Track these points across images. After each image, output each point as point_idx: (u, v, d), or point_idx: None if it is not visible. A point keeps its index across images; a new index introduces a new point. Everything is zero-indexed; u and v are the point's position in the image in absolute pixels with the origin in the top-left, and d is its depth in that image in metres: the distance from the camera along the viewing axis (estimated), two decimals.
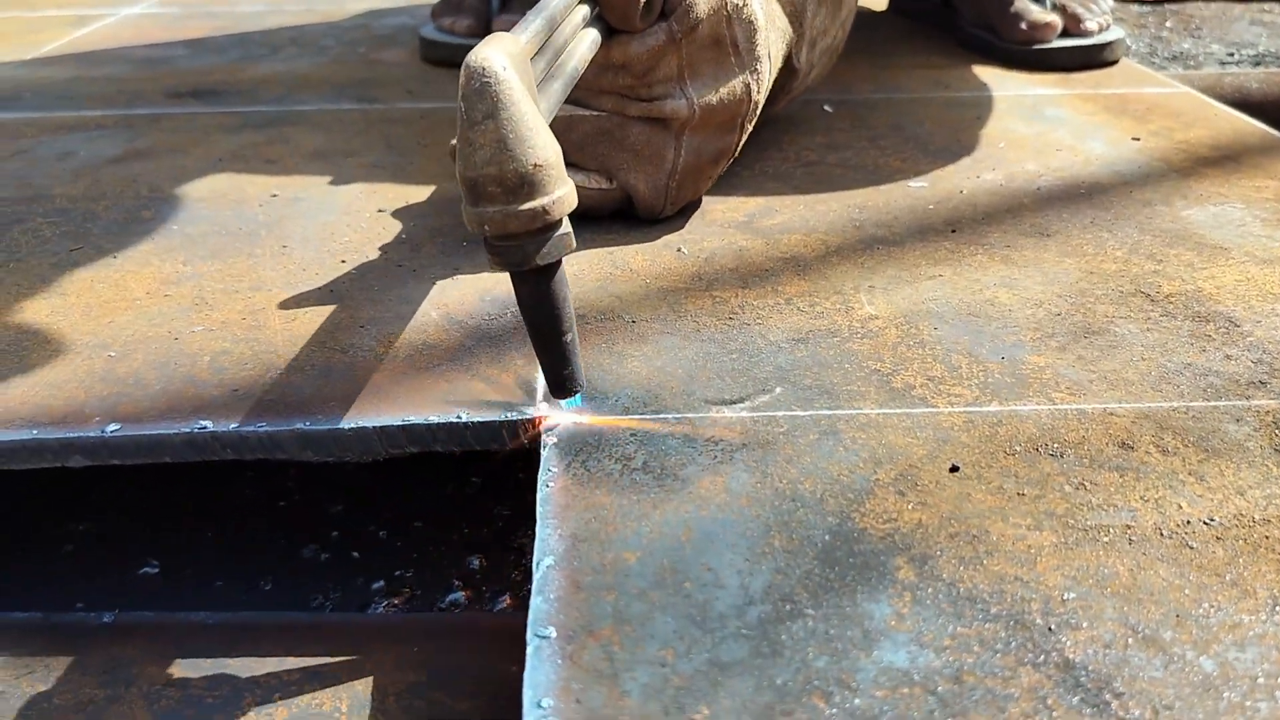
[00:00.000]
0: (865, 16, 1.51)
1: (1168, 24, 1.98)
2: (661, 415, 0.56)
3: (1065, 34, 1.27)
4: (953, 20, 1.38)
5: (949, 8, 1.40)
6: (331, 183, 0.89)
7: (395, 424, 0.55)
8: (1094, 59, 1.25)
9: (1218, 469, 0.52)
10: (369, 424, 0.55)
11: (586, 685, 0.40)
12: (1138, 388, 0.59)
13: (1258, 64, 1.70)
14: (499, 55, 0.49)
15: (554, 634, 0.42)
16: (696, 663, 0.40)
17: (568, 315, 0.52)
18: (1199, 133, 1.02)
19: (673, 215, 0.80)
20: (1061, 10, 1.28)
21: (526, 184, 0.48)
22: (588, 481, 0.51)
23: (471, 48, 0.50)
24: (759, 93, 0.78)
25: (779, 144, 0.98)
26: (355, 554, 0.63)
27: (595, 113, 0.76)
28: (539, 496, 0.50)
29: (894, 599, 0.44)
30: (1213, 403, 0.57)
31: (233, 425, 0.55)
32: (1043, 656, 0.41)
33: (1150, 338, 0.64)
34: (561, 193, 0.50)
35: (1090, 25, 1.27)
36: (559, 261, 0.51)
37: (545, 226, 0.49)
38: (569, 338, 0.52)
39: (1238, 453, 0.53)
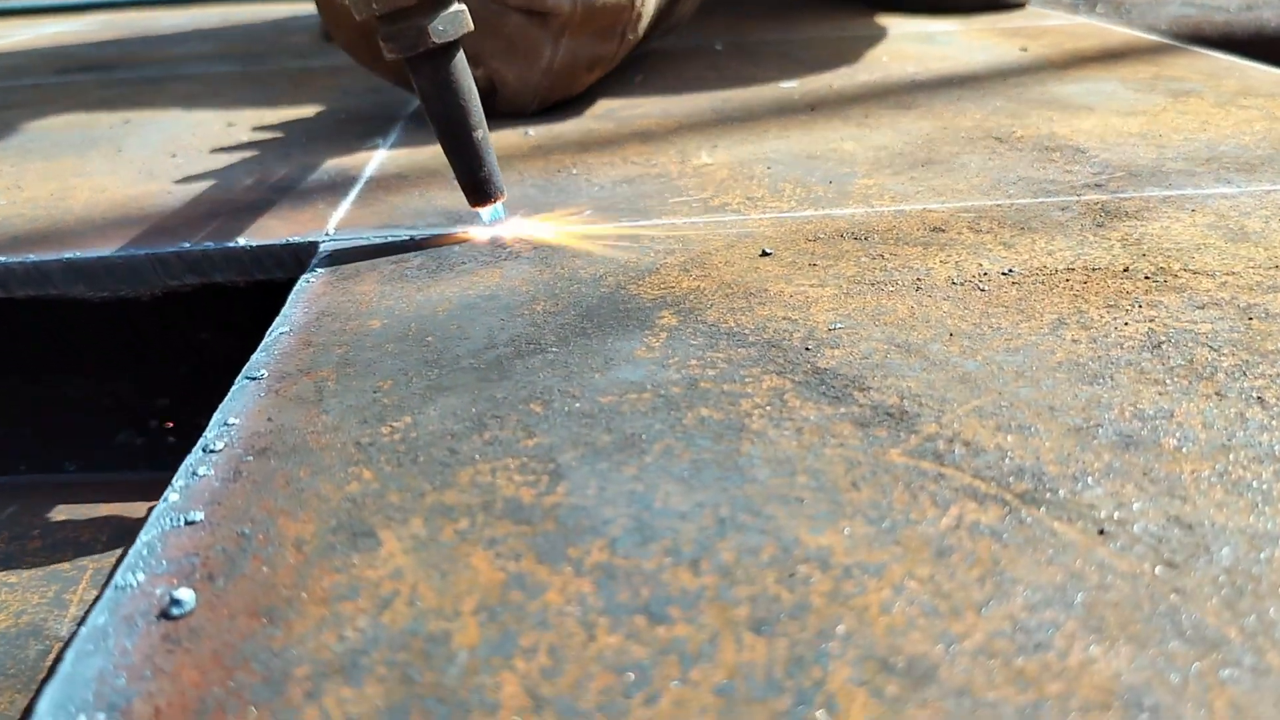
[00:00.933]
0: None
1: (1098, 8, 1.98)
2: (455, 228, 0.53)
3: None
4: None
5: None
6: (188, 109, 0.87)
7: (170, 250, 0.52)
8: (998, 1, 1.25)
9: (1029, 240, 0.49)
10: (141, 251, 0.52)
11: (284, 408, 0.36)
12: (965, 194, 0.56)
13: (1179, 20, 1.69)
14: None
15: (264, 375, 0.39)
16: (414, 389, 0.37)
17: (475, 107, 0.48)
18: (1089, 43, 1.00)
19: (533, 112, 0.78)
20: None
21: None
22: (352, 277, 0.48)
23: None
24: (642, 3, 0.77)
25: (659, 70, 0.97)
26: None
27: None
28: (292, 292, 0.47)
29: (648, 337, 0.40)
30: (1040, 199, 0.54)
31: None
32: (791, 368, 0.37)
33: (991, 163, 0.61)
34: None
35: None
36: (457, 43, 0.47)
37: (439, 2, 0.46)
38: (480, 133, 0.49)
39: (1055, 230, 0.50)
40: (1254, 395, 0.34)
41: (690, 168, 0.63)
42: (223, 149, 0.73)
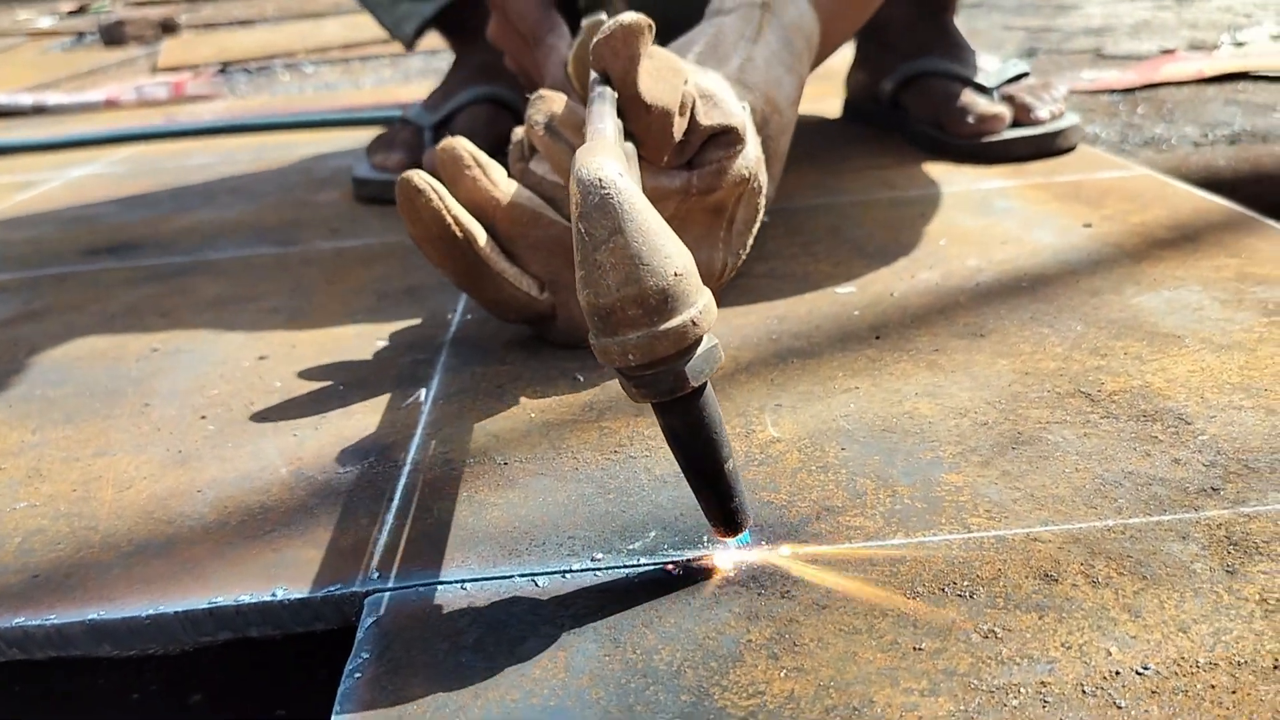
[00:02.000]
0: (816, 124, 1.48)
1: (1139, 110, 1.94)
2: (508, 578, 0.48)
3: (1017, 124, 1.22)
4: (904, 121, 1.34)
5: (899, 109, 1.36)
6: (219, 331, 0.84)
7: (201, 607, 0.48)
8: (1047, 147, 1.20)
9: (1157, 600, 0.43)
10: (170, 609, 0.48)
11: None
12: (1068, 505, 0.51)
13: (1233, 143, 1.65)
14: (610, 161, 0.43)
15: None
16: None
17: (725, 439, 0.45)
18: (1156, 213, 0.95)
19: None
20: (1010, 101, 1.23)
21: (670, 298, 0.42)
22: (404, 669, 0.43)
23: None
24: (729, 273, 0.75)
25: None
26: None
27: (567, 223, 0.70)
28: (340, 692, 0.42)
29: None
30: (1155, 518, 0.49)
31: (17, 620, 0.48)
32: None
33: (1088, 444, 0.56)
34: (706, 300, 0.44)
35: (1042, 114, 1.22)
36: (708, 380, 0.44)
37: (695, 342, 0.43)
38: (730, 464, 0.46)
39: (1182, 578, 0.45)
40: None
41: (756, 445, 0.58)
42: (252, 403, 0.69)
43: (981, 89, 1.24)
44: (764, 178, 0.74)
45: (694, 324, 0.43)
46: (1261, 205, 1.24)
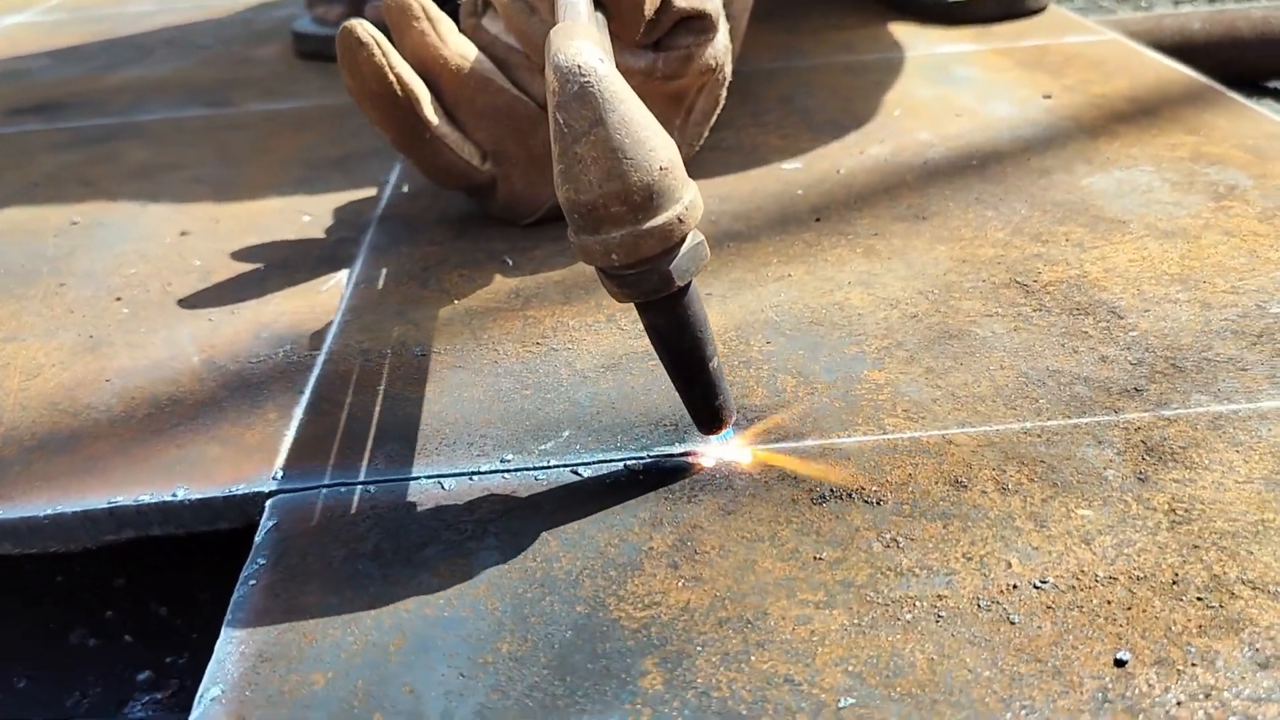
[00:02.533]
0: None
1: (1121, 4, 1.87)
2: (413, 480, 0.47)
3: None
4: None
5: None
6: (142, 203, 0.80)
7: (100, 506, 0.47)
8: (1016, 8, 1.15)
9: (1064, 509, 0.43)
10: (69, 509, 0.47)
11: None
12: (988, 406, 0.50)
13: (1211, 2, 1.59)
14: (590, 45, 0.40)
15: None
16: None
17: (710, 336, 0.44)
18: (1118, 84, 0.92)
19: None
20: None
21: (655, 194, 0.40)
22: (299, 576, 0.42)
23: None
24: (686, 157, 0.71)
25: None
26: (128, 637, 0.55)
27: (517, 92, 0.67)
28: (233, 600, 0.41)
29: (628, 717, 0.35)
30: (1073, 420, 0.48)
31: None
32: None
33: (1016, 339, 0.55)
34: (692, 194, 0.42)
35: None
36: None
37: (681, 239, 0.41)
38: (715, 362, 0.44)
39: (1093, 485, 0.44)
40: None
41: None
42: (170, 285, 0.67)
43: None
44: (729, 69, 0.71)
45: (680, 221, 0.41)
46: (1236, 69, 1.21)
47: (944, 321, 0.57)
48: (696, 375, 0.44)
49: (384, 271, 0.67)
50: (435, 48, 0.66)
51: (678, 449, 0.48)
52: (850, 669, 0.36)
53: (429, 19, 0.66)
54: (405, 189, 0.79)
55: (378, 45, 0.63)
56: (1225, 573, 0.39)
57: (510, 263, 0.67)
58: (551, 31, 0.43)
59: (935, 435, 0.48)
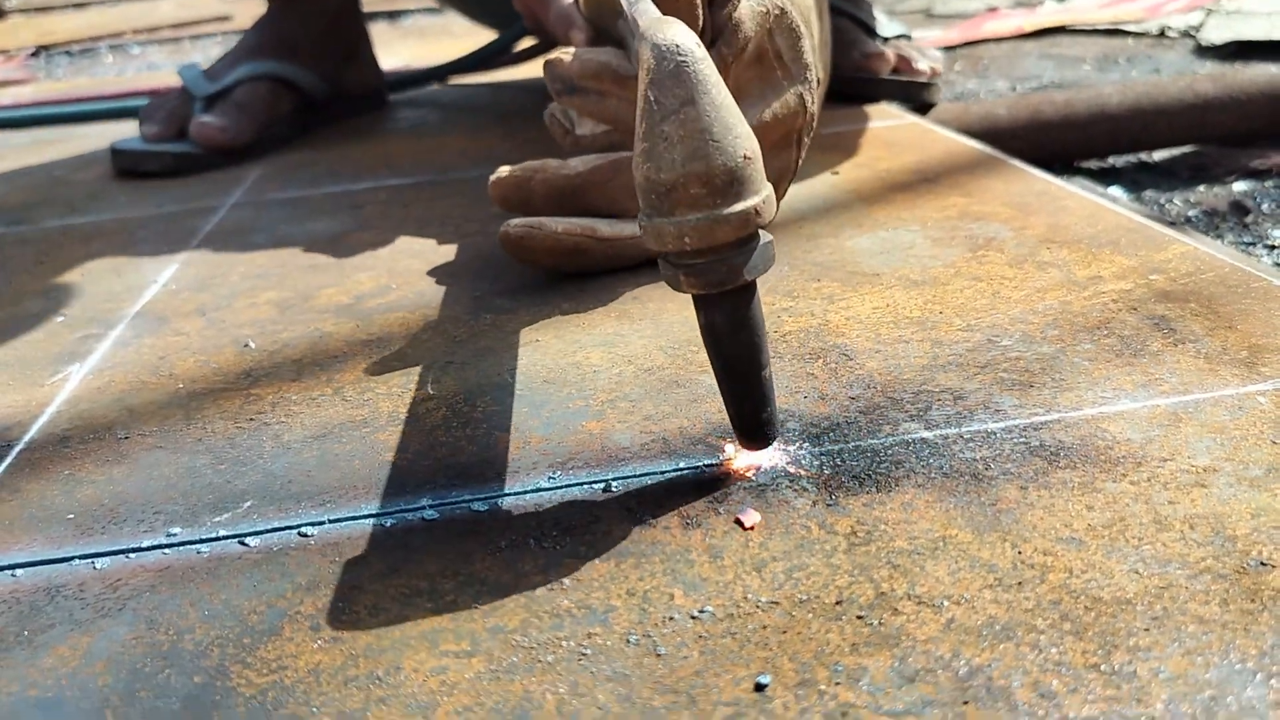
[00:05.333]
0: None
1: (956, 66, 1.95)
2: (64, 561, 0.43)
3: (898, 72, 1.22)
4: None
5: None
6: None
7: None
8: (914, 95, 1.21)
9: (743, 539, 0.41)
10: None
11: None
12: (696, 446, 0.48)
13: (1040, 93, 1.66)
14: (686, 31, 0.40)
15: None
16: None
17: (766, 344, 0.42)
18: (906, 159, 0.94)
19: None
20: (896, 52, 1.23)
21: (736, 180, 0.39)
22: None
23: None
24: (814, 103, 0.69)
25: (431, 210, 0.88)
26: None
27: None
28: None
29: None
30: (770, 450, 0.46)
31: None
32: None
33: None
34: (769, 191, 0.41)
35: (921, 66, 1.23)
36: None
37: (755, 232, 0.40)
38: (768, 371, 0.43)
39: (783, 512, 0.42)
40: None
41: (403, 405, 0.55)
42: None
43: (873, 33, 1.24)
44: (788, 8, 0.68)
45: (757, 213, 0.40)
46: (1047, 151, 1.25)
47: (676, 374, 0.55)
48: (749, 382, 0.43)
49: (119, 363, 0.63)
50: (560, 174, 0.68)
51: (364, 511, 0.45)
52: (472, 716, 0.33)
53: (538, 169, 0.68)
54: (173, 287, 0.77)
55: (533, 228, 0.65)
56: (893, 589, 0.37)
57: (252, 345, 0.64)
58: (645, 23, 0.42)
59: (622, 478, 0.46)
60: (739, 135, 0.40)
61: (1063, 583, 0.37)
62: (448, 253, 0.79)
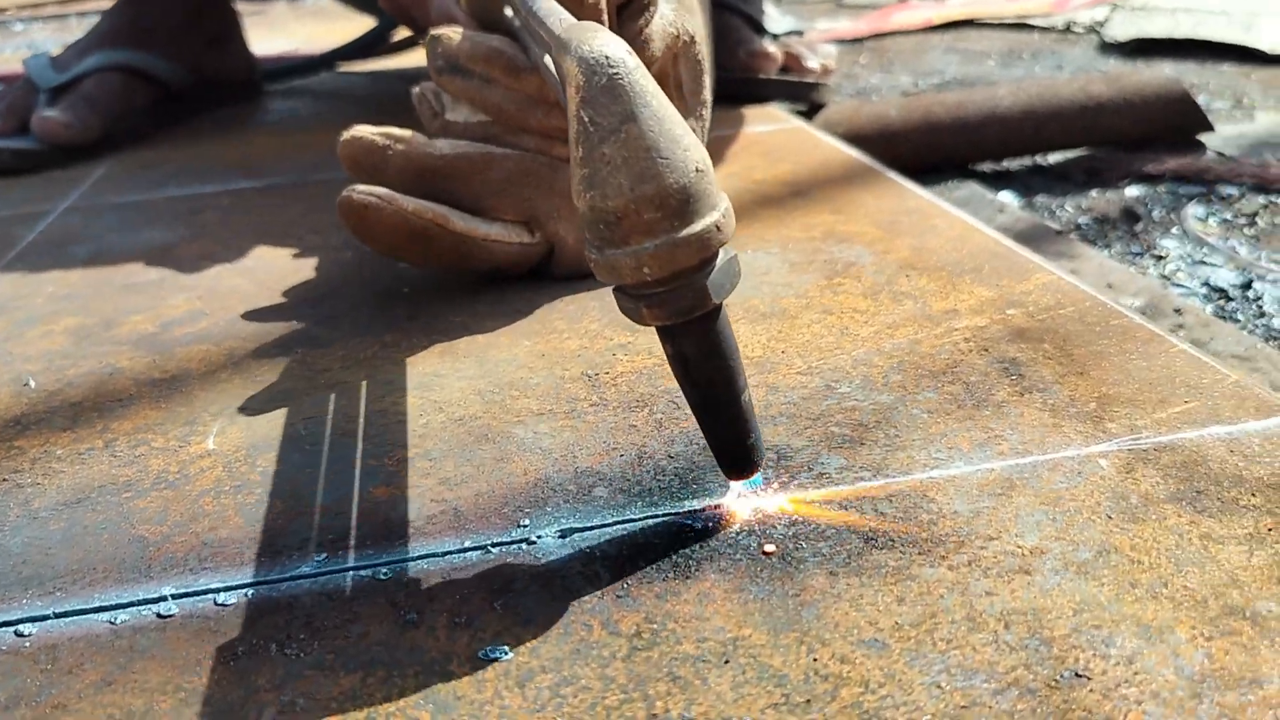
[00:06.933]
0: None
1: (861, 60, 1.92)
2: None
3: (786, 70, 1.17)
4: None
5: None
6: None
7: None
8: (801, 95, 1.16)
9: (515, 640, 0.36)
10: None
11: None
12: (488, 521, 0.43)
13: (940, 90, 1.63)
14: (613, 38, 0.36)
15: None
16: None
17: (741, 366, 0.38)
18: (781, 169, 0.89)
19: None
20: (785, 50, 1.18)
21: (692, 198, 0.35)
22: None
23: None
24: (702, 137, 0.66)
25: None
26: None
27: (519, 153, 0.62)
28: None
29: None
30: (576, 524, 0.42)
31: None
32: None
33: (556, 440, 0.48)
34: (726, 202, 0.37)
35: (811, 64, 1.18)
36: None
37: (717, 250, 0.36)
38: (747, 395, 0.39)
39: (559, 606, 0.37)
40: None
41: (177, 462, 0.49)
42: None
43: (761, 30, 1.19)
44: (691, 26, 0.65)
45: (718, 229, 0.36)
46: (938, 154, 1.22)
47: (488, 425, 0.50)
48: (728, 410, 0.39)
49: None
50: (427, 154, 0.62)
51: (94, 602, 0.39)
52: None
53: (400, 139, 0.63)
54: None
55: (379, 198, 0.60)
56: (667, 710, 0.33)
57: (32, 384, 0.58)
58: (566, 29, 0.38)
59: (407, 564, 0.41)
60: (687, 147, 0.36)
61: (855, 700, 0.32)
62: (281, 269, 0.73)
